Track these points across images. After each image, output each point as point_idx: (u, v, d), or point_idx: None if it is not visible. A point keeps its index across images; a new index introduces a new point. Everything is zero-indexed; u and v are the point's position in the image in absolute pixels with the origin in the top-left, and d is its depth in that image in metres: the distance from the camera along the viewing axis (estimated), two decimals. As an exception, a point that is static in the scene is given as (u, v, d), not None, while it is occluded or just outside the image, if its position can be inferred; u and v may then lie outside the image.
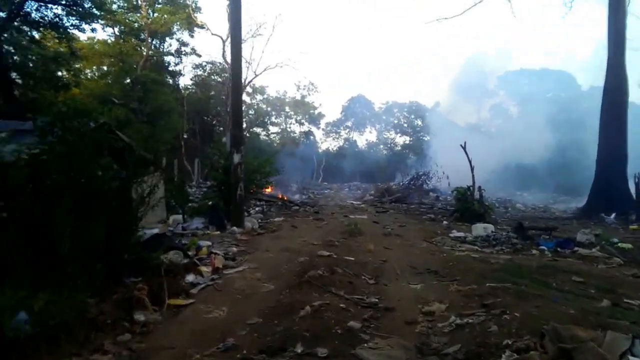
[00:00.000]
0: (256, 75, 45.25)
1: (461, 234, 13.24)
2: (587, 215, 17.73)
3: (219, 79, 49.15)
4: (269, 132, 65.23)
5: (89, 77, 37.51)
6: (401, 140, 66.39)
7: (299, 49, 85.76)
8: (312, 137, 67.65)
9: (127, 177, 7.24)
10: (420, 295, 6.30)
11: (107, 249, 6.11)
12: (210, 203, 15.28)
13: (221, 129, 45.43)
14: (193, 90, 49.50)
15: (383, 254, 9.34)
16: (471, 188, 16.98)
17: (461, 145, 18.05)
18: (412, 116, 64.84)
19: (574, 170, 30.38)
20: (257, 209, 19.84)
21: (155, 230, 10.17)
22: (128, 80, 36.30)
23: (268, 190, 25.26)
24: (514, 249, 10.58)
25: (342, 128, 69.53)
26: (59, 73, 27.73)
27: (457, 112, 47.82)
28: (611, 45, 18.61)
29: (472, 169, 17.46)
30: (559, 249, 10.39)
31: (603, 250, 10.16)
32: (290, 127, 67.18)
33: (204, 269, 7.89)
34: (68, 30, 25.68)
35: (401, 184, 30.61)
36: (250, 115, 61.25)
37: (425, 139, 52.58)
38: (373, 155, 61.88)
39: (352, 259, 8.50)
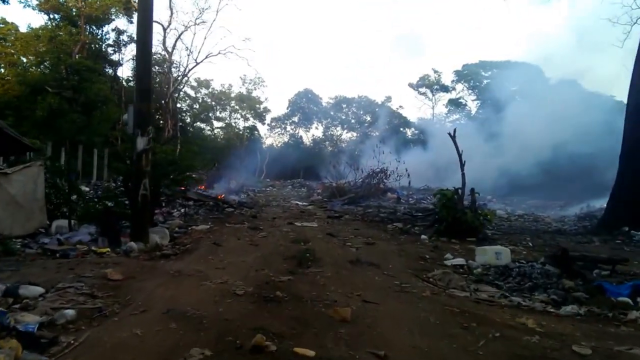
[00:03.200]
0: (197, 63, 40.47)
1: (460, 261, 8.76)
2: (606, 228, 13.37)
3: (160, 70, 44.47)
4: (213, 127, 60.53)
5: (25, 64, 34.30)
6: (348, 136, 62.23)
7: (243, 36, 79.91)
8: (256, 133, 62.92)
9: None
10: None
11: None
12: (107, 205, 10.37)
13: (161, 122, 40.22)
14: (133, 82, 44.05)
15: (370, 325, 4.49)
16: (459, 191, 12.48)
17: (449, 134, 13.53)
18: (361, 112, 60.71)
19: (552, 171, 26.57)
20: (182, 210, 14.94)
21: None
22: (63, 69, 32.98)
23: (201, 187, 20.41)
24: (580, 304, 6.02)
25: (288, 123, 64.86)
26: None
27: (410, 106, 44.11)
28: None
29: (462, 165, 12.93)
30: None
31: None
32: (235, 122, 62.09)
33: None
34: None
35: (354, 182, 25.84)
36: (195, 110, 57.79)
37: (375, 134, 48.53)
38: (319, 151, 57.33)
39: (313, 353, 3.71)
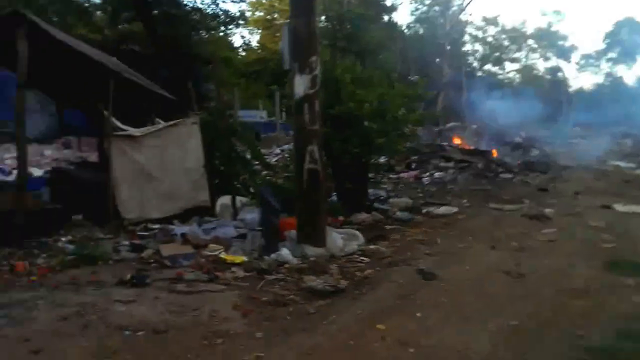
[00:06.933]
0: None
1: None
2: None
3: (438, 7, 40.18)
4: (506, 71, 52.46)
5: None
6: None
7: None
8: (560, 74, 52.25)
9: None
10: None
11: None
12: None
13: (438, 60, 36.20)
14: (413, 28, 41.73)
15: None
16: None
17: None
18: None
19: None
20: (436, 174, 10.68)
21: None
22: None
23: (458, 142, 15.58)
24: None
25: (603, 61, 52.13)
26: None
27: None
28: None
29: None
30: None
31: None
32: (532, 63, 52.75)
33: None
34: None
35: None
36: (484, 51, 50.16)
37: None
38: (647, 93, 44.39)
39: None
